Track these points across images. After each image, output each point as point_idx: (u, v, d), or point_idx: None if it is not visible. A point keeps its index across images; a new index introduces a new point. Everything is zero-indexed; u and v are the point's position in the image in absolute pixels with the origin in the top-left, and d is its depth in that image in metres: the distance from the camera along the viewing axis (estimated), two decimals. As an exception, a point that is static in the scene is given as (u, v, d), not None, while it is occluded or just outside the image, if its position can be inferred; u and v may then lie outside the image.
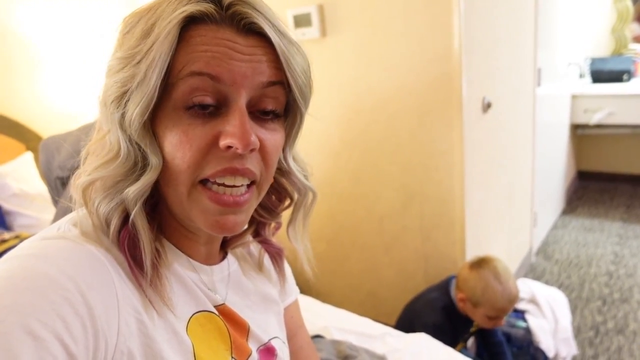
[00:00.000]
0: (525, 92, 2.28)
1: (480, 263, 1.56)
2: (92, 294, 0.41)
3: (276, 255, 0.70)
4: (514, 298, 1.50)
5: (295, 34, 1.80)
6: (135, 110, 0.46)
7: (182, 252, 0.55)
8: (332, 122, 1.90)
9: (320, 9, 1.76)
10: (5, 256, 0.43)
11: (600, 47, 3.67)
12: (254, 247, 0.70)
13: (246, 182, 0.50)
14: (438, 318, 1.57)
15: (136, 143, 0.47)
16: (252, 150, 0.48)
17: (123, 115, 0.47)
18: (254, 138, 0.47)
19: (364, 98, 1.79)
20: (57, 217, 1.36)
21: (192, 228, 0.54)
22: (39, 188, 1.91)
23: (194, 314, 0.53)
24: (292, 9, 1.79)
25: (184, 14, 0.45)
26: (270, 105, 0.50)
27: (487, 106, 1.76)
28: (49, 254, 0.42)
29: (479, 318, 1.54)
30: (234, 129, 0.46)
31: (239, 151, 0.46)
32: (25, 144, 2.06)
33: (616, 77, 3.33)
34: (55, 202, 1.40)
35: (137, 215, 0.48)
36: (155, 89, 0.45)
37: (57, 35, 2.11)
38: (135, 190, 0.47)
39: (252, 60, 0.47)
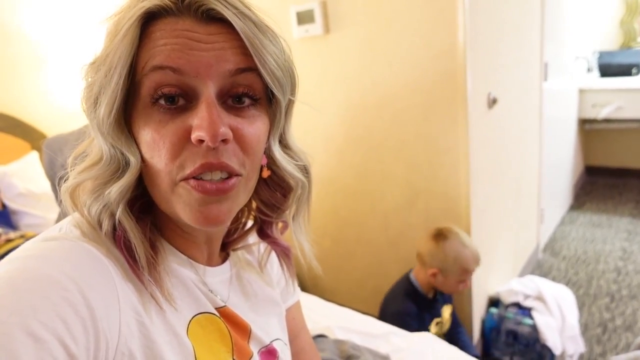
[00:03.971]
0: (532, 87, 2.25)
1: (444, 235, 1.61)
2: (93, 295, 0.41)
3: (284, 255, 0.69)
4: (479, 257, 1.60)
5: (298, 30, 1.79)
6: (102, 112, 0.46)
7: (183, 253, 0.55)
8: (337, 118, 1.88)
9: (324, 5, 1.75)
10: (6, 258, 0.42)
11: (609, 40, 3.62)
12: (256, 248, 0.69)
13: (224, 175, 0.48)
14: (403, 304, 1.64)
15: (116, 145, 0.47)
16: (225, 142, 0.46)
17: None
18: (223, 129, 0.45)
19: (368, 95, 1.78)
20: (61, 217, 1.36)
21: (188, 228, 0.54)
22: (45, 187, 1.92)
23: (194, 316, 0.53)
24: (295, 6, 1.78)
25: (142, 10, 0.45)
26: (247, 91, 0.48)
27: (492, 102, 1.74)
28: (50, 255, 0.42)
29: (450, 286, 1.61)
30: (201, 121, 0.44)
31: (209, 144, 0.44)
32: (31, 144, 2.08)
33: (625, 70, 3.29)
34: (60, 201, 1.41)
35: (122, 217, 0.48)
36: (118, 89, 0.45)
37: (62, 34, 2.12)
38: (116, 191, 0.47)
39: (214, 49, 0.46)
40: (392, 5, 1.61)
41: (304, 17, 1.78)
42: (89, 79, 0.48)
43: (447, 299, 1.73)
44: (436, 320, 1.66)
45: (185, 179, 0.46)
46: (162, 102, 0.46)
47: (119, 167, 0.48)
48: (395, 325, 1.42)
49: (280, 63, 0.49)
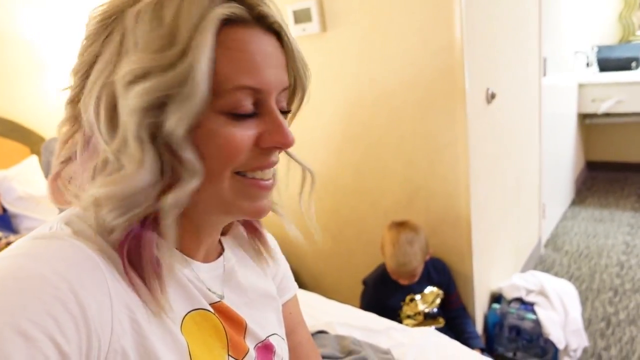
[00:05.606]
0: (531, 83, 2.25)
1: (396, 225, 1.71)
2: (85, 292, 0.41)
3: (253, 229, 0.68)
4: (401, 265, 1.64)
5: (295, 29, 1.79)
6: (178, 121, 0.43)
7: (177, 249, 0.55)
8: (335, 117, 1.88)
9: (320, 3, 1.74)
10: None
11: (607, 34, 3.61)
12: (250, 244, 0.69)
13: (272, 172, 0.54)
14: (371, 277, 1.82)
15: (167, 153, 0.45)
16: None
17: (156, 125, 0.44)
18: (292, 136, 0.51)
19: (366, 92, 1.77)
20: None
21: (202, 223, 0.54)
22: (44, 191, 1.92)
23: (188, 312, 0.52)
24: (291, 5, 1.77)
25: (220, 18, 0.44)
26: (285, 106, 0.54)
27: (491, 97, 1.74)
28: (40, 253, 0.42)
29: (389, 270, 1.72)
30: (280, 130, 0.50)
31: (284, 148, 0.51)
32: (30, 148, 2.08)
33: (624, 64, 3.28)
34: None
35: (168, 227, 0.46)
36: (204, 100, 0.44)
37: (60, 38, 2.12)
38: (173, 199, 0.45)
39: (277, 66, 0.50)
40: (388, 1, 1.61)
41: (301, 16, 1.77)
42: (157, 81, 0.43)
43: (435, 281, 1.75)
44: (410, 296, 1.72)
45: (244, 175, 0.50)
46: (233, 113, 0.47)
47: (161, 176, 0.46)
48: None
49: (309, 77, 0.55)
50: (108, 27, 0.47)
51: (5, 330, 0.35)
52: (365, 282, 1.84)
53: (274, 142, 0.49)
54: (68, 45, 2.12)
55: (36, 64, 2.09)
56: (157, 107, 0.44)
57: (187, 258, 0.55)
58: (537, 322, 1.79)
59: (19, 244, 0.44)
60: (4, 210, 1.83)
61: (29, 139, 2.07)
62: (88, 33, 0.48)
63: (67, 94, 0.52)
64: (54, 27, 2.11)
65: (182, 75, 0.43)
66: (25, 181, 1.90)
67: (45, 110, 2.14)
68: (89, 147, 0.49)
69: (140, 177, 0.44)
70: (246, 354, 0.57)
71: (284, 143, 0.50)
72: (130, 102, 0.43)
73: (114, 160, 0.45)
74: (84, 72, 0.48)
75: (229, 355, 0.55)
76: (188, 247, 0.56)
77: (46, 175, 1.43)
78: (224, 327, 0.55)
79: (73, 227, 0.47)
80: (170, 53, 0.43)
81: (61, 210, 0.53)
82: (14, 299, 0.37)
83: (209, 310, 0.54)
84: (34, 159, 2.03)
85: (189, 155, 0.45)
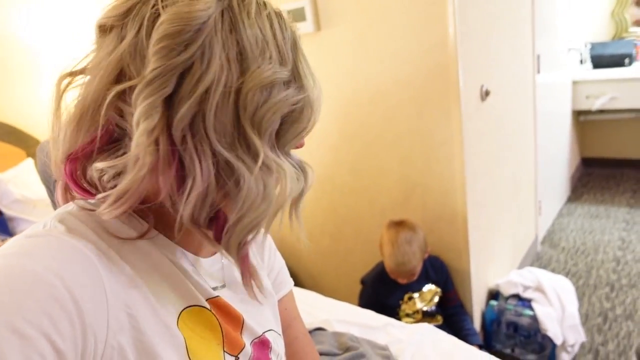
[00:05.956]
0: (525, 80, 2.26)
1: (394, 225, 1.71)
2: (79, 289, 0.41)
3: None
4: (401, 265, 1.63)
5: (289, 29, 1.79)
6: (302, 133, 0.51)
7: (176, 244, 0.55)
8: (330, 116, 1.89)
9: (314, 3, 1.75)
10: None
11: (600, 31, 3.63)
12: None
13: None
14: (369, 276, 1.82)
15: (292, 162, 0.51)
16: None
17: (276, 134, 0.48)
18: None
19: (361, 91, 1.78)
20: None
21: None
22: (41, 193, 1.92)
23: (184, 308, 0.52)
24: (285, 4, 1.78)
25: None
26: None
27: (485, 94, 1.74)
28: (34, 251, 0.42)
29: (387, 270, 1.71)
30: None
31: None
32: (26, 151, 2.08)
33: (617, 61, 3.30)
34: (55, 205, 1.40)
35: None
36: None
37: (56, 41, 2.12)
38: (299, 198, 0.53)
39: None
40: (382, 0, 1.62)
41: (295, 15, 1.78)
42: (296, 95, 0.49)
43: (433, 279, 1.76)
44: (408, 295, 1.73)
45: None
46: None
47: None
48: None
49: None
50: (200, 31, 0.44)
51: (0, 329, 0.35)
52: (363, 282, 1.85)
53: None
54: (64, 48, 2.12)
55: (33, 68, 2.09)
56: (282, 119, 0.48)
57: (185, 252, 0.56)
58: (534, 318, 1.80)
59: (12, 242, 0.44)
60: (0, 213, 1.83)
61: (25, 142, 2.07)
62: (174, 31, 0.43)
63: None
64: (51, 31, 2.11)
65: (307, 95, 0.49)
66: (22, 184, 1.90)
67: (42, 113, 2.14)
68: (175, 153, 0.45)
69: (287, 187, 0.49)
70: (242, 349, 0.57)
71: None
72: (268, 112, 0.46)
73: (253, 175, 0.45)
74: (180, 74, 0.44)
75: (224, 351, 0.55)
76: (190, 243, 0.56)
77: (42, 177, 1.43)
78: (219, 323, 0.55)
79: (67, 225, 0.47)
80: (286, 70, 0.48)
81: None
82: (7, 298, 0.37)
83: (204, 307, 0.55)
84: (29, 162, 2.02)
85: (295, 155, 0.52)
